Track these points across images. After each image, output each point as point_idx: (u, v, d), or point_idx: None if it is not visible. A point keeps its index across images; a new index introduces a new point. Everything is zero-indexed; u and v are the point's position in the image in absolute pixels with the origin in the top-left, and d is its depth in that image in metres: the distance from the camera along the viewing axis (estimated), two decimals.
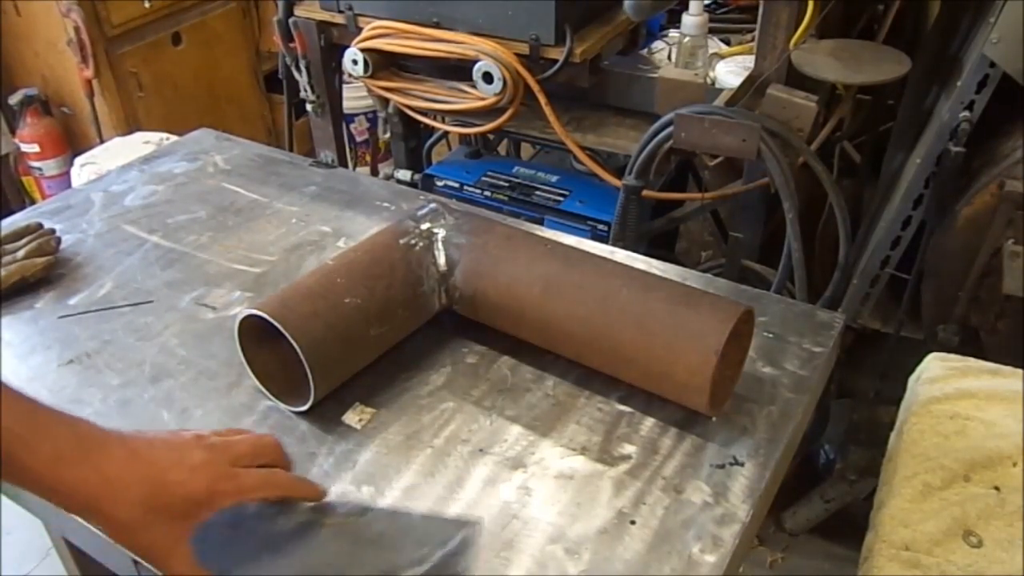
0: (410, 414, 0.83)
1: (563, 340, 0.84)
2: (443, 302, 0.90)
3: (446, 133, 1.85)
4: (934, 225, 1.36)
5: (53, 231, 1.07)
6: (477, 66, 1.47)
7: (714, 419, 0.80)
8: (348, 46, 1.62)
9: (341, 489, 0.75)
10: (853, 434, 1.65)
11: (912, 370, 1.16)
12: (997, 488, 0.97)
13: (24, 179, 2.64)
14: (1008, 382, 1.09)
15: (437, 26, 1.52)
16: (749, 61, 1.56)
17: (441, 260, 0.89)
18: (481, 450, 0.78)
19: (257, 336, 0.82)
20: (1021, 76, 1.20)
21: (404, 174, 1.81)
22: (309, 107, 1.84)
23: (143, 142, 2.17)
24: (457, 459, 0.77)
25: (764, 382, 0.85)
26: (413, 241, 0.89)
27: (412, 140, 1.85)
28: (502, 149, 2.18)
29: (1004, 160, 1.28)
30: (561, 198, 1.66)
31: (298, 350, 0.76)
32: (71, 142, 2.58)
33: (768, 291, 1.17)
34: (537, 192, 1.69)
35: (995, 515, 0.95)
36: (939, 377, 1.11)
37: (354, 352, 0.83)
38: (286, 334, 0.76)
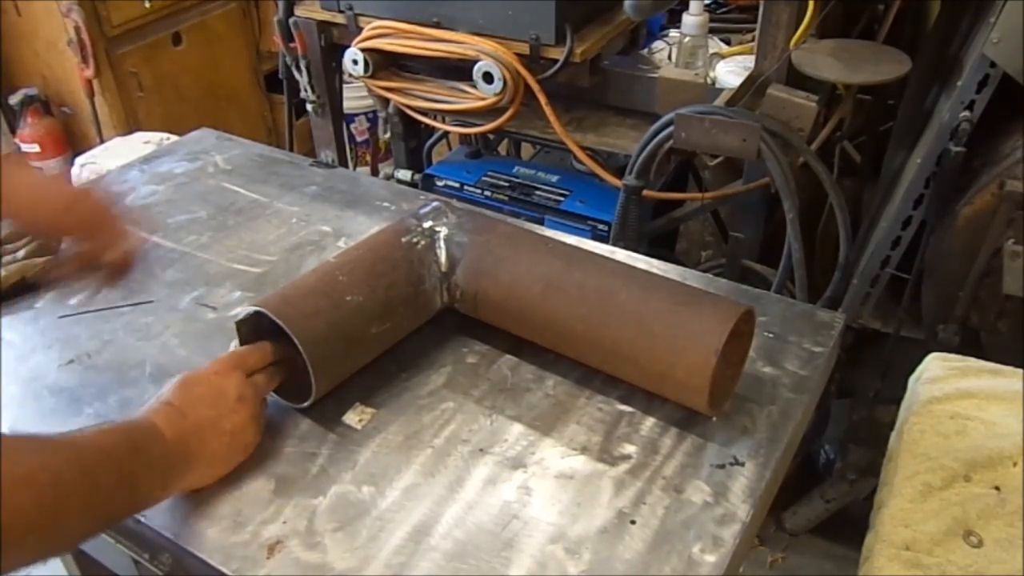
0: (410, 414, 0.83)
1: (564, 339, 0.84)
2: (444, 301, 0.90)
3: (446, 133, 1.85)
4: (934, 225, 1.36)
5: None
6: (477, 66, 1.47)
7: (714, 419, 0.80)
8: (348, 46, 1.61)
9: (341, 489, 0.75)
10: (853, 434, 1.65)
11: (912, 370, 1.16)
12: (997, 488, 0.97)
13: None
14: (1008, 382, 1.09)
15: (437, 26, 1.52)
16: (749, 61, 1.56)
17: (443, 259, 0.89)
18: (481, 450, 0.78)
19: (258, 334, 0.81)
20: (1021, 76, 1.20)
21: (404, 174, 1.81)
22: (309, 107, 1.84)
23: (143, 142, 2.16)
24: (457, 459, 0.77)
25: (764, 382, 0.85)
26: (415, 239, 0.88)
27: (412, 140, 1.85)
28: (502, 149, 2.18)
29: (1004, 160, 1.28)
30: (561, 198, 1.66)
31: (300, 347, 0.76)
32: (71, 142, 2.58)
33: (768, 291, 1.17)
34: (537, 192, 1.69)
35: (995, 515, 0.95)
36: (939, 377, 1.11)
37: (355, 350, 0.83)
38: (288, 331, 0.76)
